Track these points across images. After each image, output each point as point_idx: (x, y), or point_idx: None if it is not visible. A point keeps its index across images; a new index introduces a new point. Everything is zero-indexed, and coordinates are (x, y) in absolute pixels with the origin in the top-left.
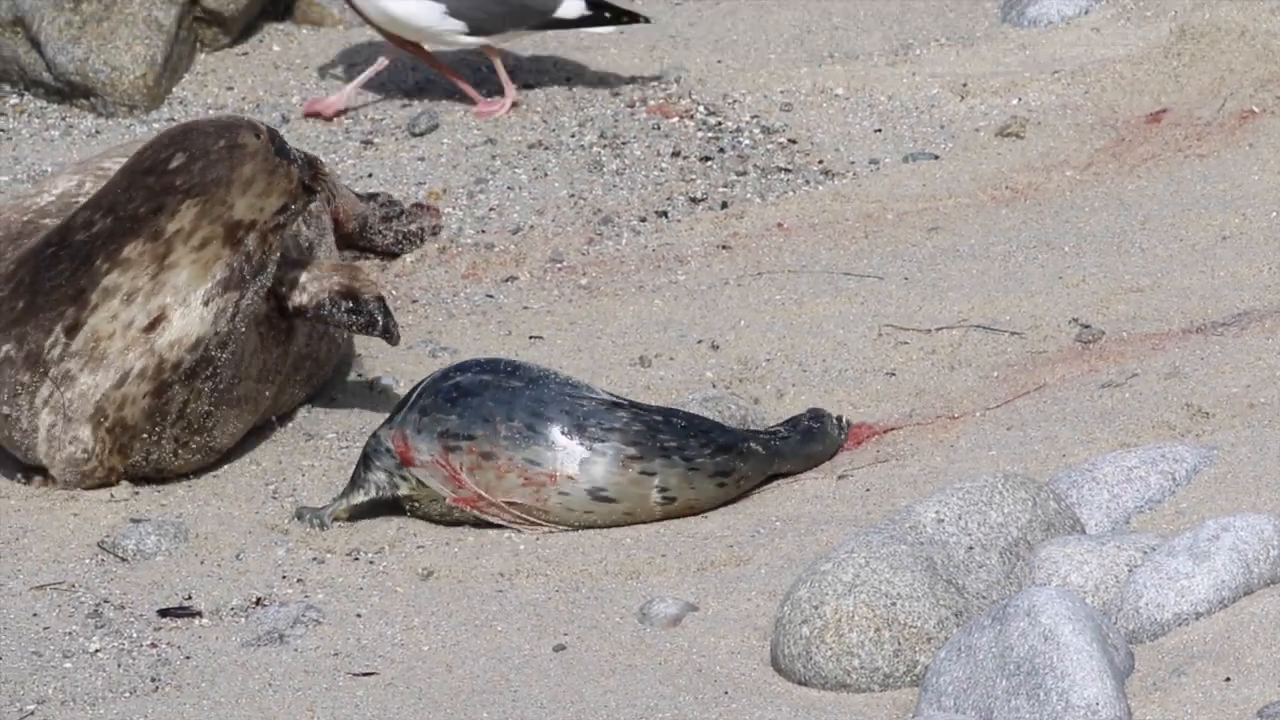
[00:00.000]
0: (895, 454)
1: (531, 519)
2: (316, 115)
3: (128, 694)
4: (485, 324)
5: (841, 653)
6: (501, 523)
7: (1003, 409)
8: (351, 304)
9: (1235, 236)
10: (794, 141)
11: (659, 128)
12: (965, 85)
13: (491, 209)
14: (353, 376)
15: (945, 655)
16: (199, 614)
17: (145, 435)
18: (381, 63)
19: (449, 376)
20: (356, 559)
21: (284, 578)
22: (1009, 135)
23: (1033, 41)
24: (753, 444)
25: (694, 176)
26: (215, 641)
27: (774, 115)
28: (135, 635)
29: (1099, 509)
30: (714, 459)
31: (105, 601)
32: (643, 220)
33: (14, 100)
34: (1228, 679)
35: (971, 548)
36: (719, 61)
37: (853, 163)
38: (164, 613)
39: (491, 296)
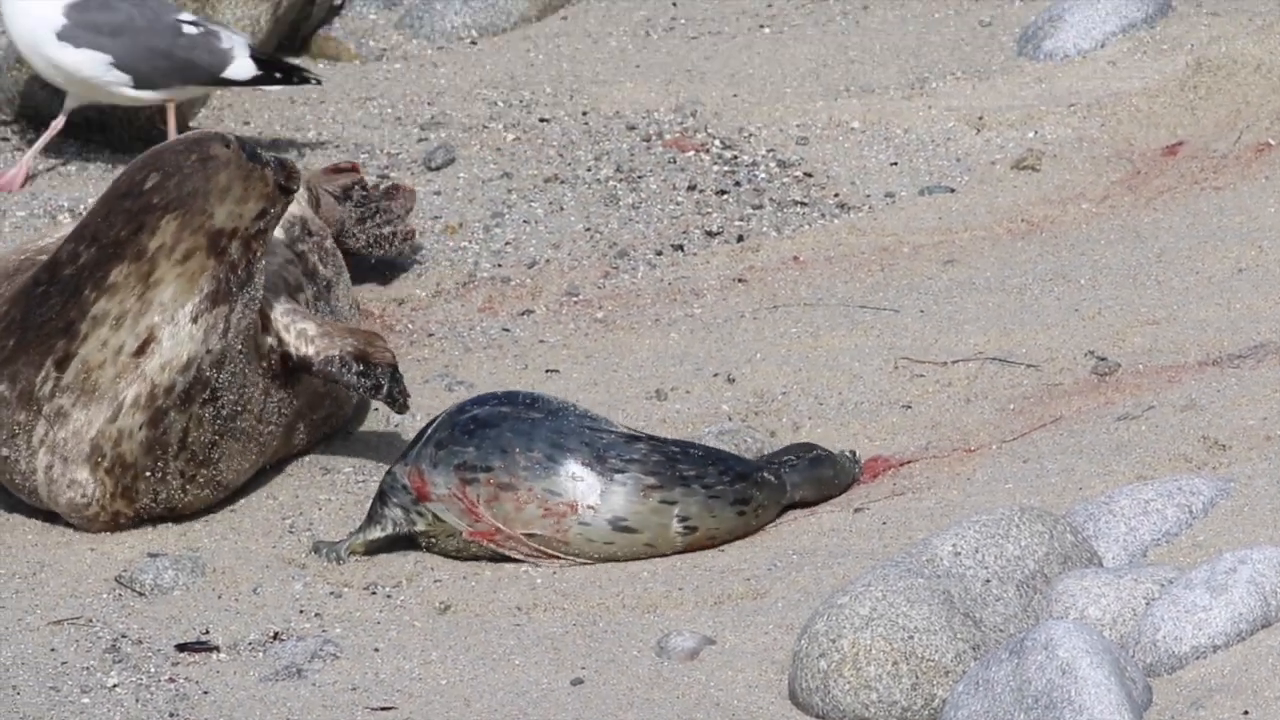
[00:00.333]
0: (911, 487)
1: (550, 551)
2: (7, 190)
3: None
4: (501, 357)
5: (859, 686)
6: (519, 556)
7: (1019, 442)
8: (362, 368)
9: (1251, 269)
10: (810, 175)
11: (675, 161)
12: (981, 118)
13: (508, 243)
14: (369, 410)
15: (963, 689)
16: (217, 648)
17: (148, 474)
18: (58, 124)
19: (465, 410)
20: (374, 593)
21: (301, 612)
22: (1025, 168)
23: (1049, 75)
24: (766, 473)
25: (710, 210)
26: (233, 676)
27: (790, 149)
28: (153, 670)
29: (1116, 542)
30: (733, 487)
31: (123, 636)
32: (659, 254)
33: (30, 135)
34: (1245, 712)
35: (989, 581)
36: (735, 95)
37: (868, 196)
38: (182, 647)
39: (508, 330)
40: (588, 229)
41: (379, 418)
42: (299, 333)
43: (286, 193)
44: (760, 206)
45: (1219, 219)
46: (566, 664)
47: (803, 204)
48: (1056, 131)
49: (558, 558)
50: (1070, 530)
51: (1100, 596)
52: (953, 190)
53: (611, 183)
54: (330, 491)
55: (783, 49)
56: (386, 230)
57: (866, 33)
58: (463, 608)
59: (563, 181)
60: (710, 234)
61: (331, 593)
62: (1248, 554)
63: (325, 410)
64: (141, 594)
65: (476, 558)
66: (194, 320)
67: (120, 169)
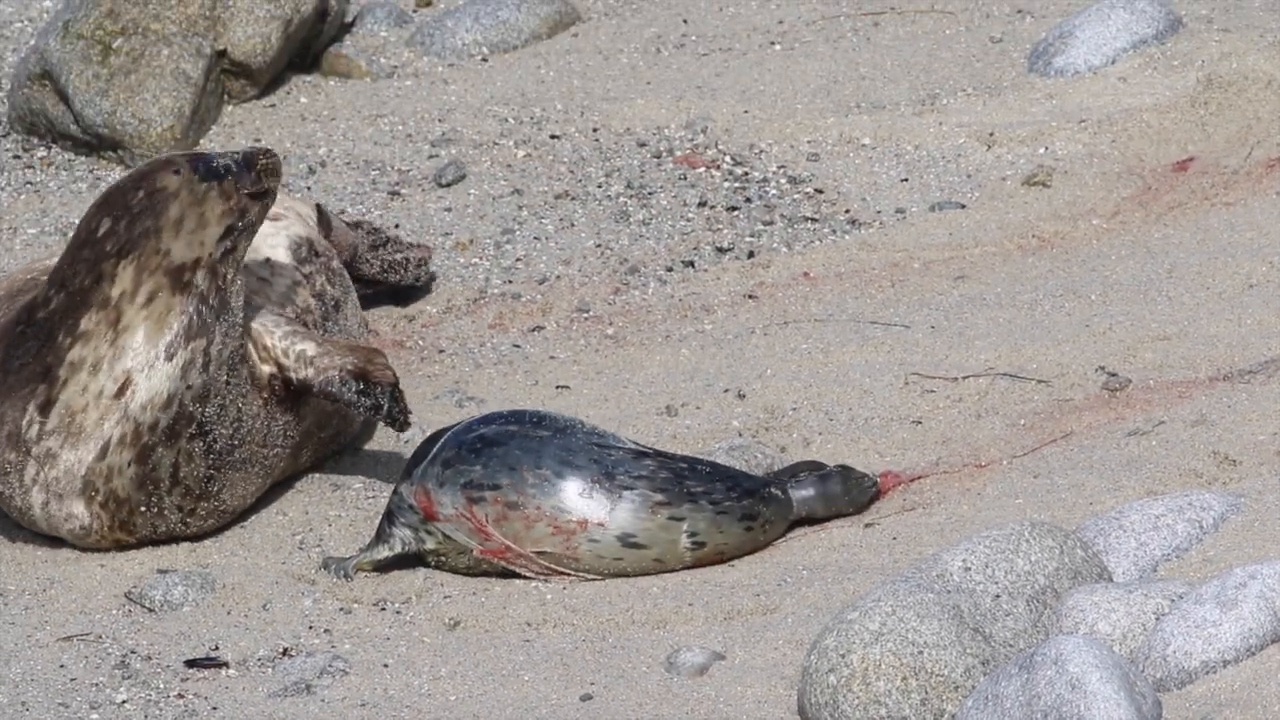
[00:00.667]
0: (922, 502)
1: (560, 569)
2: None
3: None
4: (512, 374)
5: (869, 702)
6: (530, 574)
7: (1029, 457)
8: (361, 386)
9: (1262, 284)
10: (820, 191)
11: (685, 178)
12: (992, 135)
13: (518, 259)
14: (378, 425)
15: (972, 704)
16: (226, 664)
17: (143, 508)
18: None
19: (472, 429)
20: (383, 609)
21: (311, 628)
22: (1036, 184)
23: (1059, 91)
24: (773, 488)
25: (720, 226)
26: (242, 692)
27: (801, 165)
28: (162, 686)
29: (1126, 557)
30: (740, 503)
31: (132, 652)
32: (669, 270)
33: (42, 153)
34: None
35: (998, 596)
36: (746, 112)
37: (879, 212)
38: (191, 663)
39: (518, 346)
40: (598, 245)
41: (389, 433)
42: (298, 355)
43: (259, 197)
44: (771, 223)
45: (1230, 235)
46: (576, 680)
47: (813, 220)
48: (1067, 147)
49: (568, 574)
50: (1080, 545)
51: (1110, 611)
52: (963, 206)
53: (622, 199)
54: (340, 507)
55: (793, 65)
56: (399, 256)
57: (877, 49)
58: (472, 624)
59: (573, 198)
60: (721, 250)
61: (341, 609)
62: (1258, 569)
63: (333, 429)
64: (151, 610)
65: (486, 574)
66: (170, 358)
67: None
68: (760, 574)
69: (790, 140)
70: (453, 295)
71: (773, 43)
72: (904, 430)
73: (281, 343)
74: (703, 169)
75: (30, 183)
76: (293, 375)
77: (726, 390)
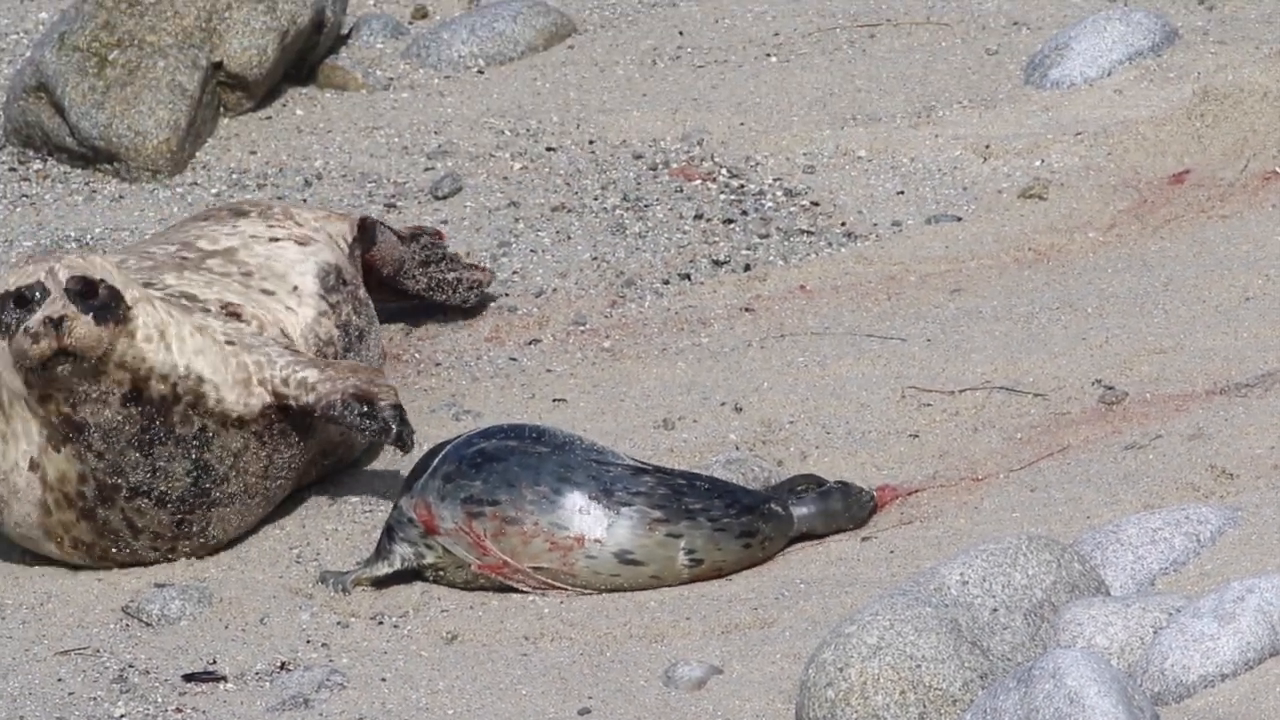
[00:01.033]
0: (919, 516)
1: (557, 584)
2: None
3: None
4: (508, 387)
5: (867, 716)
6: (527, 589)
7: (1026, 470)
8: (366, 409)
9: (1259, 297)
10: (816, 204)
11: (681, 190)
12: (988, 147)
13: (515, 272)
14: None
15: (971, 718)
16: (224, 679)
17: (113, 550)
18: None
19: (472, 443)
20: (381, 623)
21: (308, 642)
22: (1032, 197)
23: (1055, 103)
24: (773, 505)
25: (717, 239)
26: (240, 706)
27: (797, 178)
28: (160, 700)
29: (1123, 570)
30: (739, 519)
31: (130, 666)
32: (665, 283)
33: (37, 165)
34: None
35: (996, 610)
36: (741, 124)
37: (875, 225)
38: (189, 678)
39: (515, 359)
40: (594, 258)
41: (387, 449)
42: (299, 383)
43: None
44: (767, 235)
45: (1226, 247)
46: (574, 694)
47: (809, 233)
48: (1063, 160)
49: (565, 589)
50: (1078, 559)
51: (1108, 625)
52: (959, 219)
53: (618, 212)
54: (337, 521)
55: (789, 78)
56: (450, 276)
57: (873, 61)
58: (470, 637)
59: (569, 210)
60: (717, 263)
61: (338, 623)
62: (1256, 583)
63: (338, 455)
64: (148, 624)
65: (484, 588)
66: (57, 450)
67: (129, 198)
68: (758, 588)
69: (786, 153)
70: (449, 308)
71: (768, 55)
72: (901, 444)
73: (282, 373)
74: (699, 181)
75: (26, 195)
76: (293, 403)
77: (723, 403)
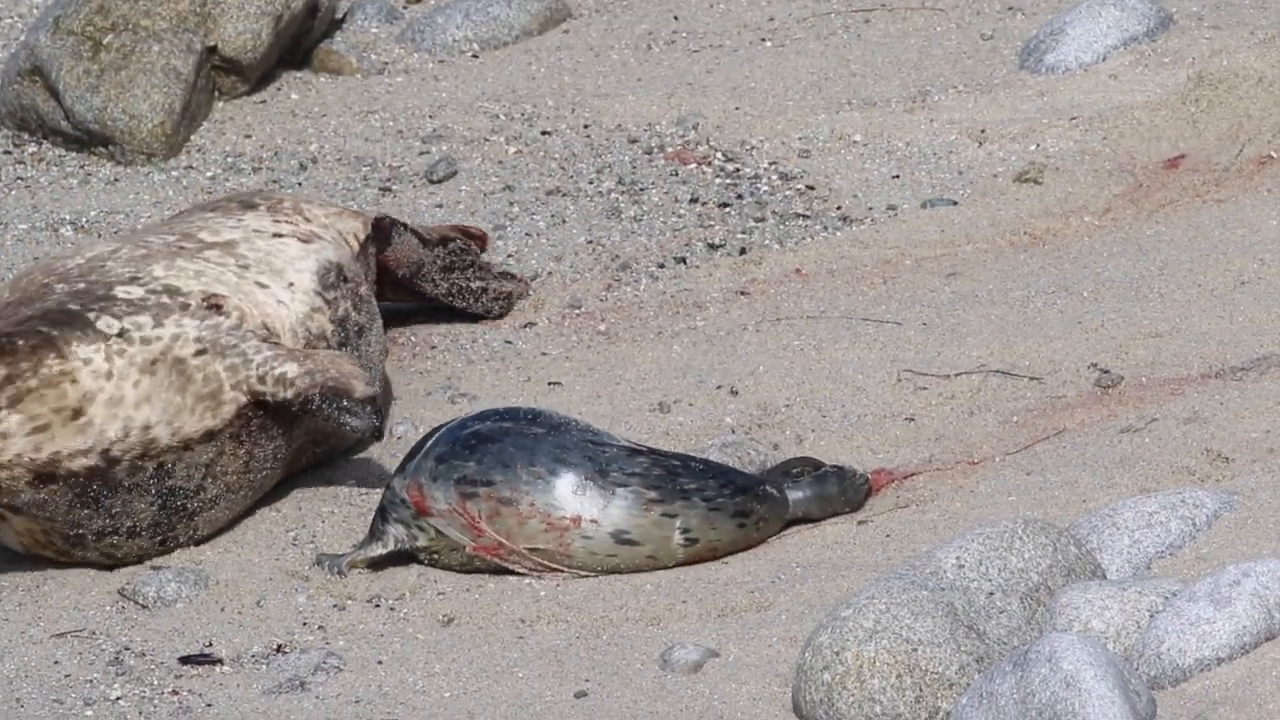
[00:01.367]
0: (915, 499)
1: (553, 565)
2: None
3: None
4: (504, 370)
5: (863, 699)
6: (523, 570)
7: (1022, 454)
8: (343, 402)
9: (1253, 282)
10: (812, 188)
11: (677, 174)
12: (983, 131)
13: (510, 255)
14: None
15: (967, 701)
16: (220, 661)
17: (96, 553)
18: None
19: (467, 425)
20: (377, 606)
21: (305, 625)
22: (1027, 181)
23: (1051, 88)
24: (768, 486)
25: (712, 223)
26: (236, 689)
27: (792, 162)
28: (156, 683)
29: (1119, 554)
30: (733, 499)
31: (126, 649)
32: (661, 266)
33: (32, 149)
34: None
35: (992, 593)
36: (737, 108)
37: (871, 209)
38: (185, 660)
39: (510, 342)
40: (590, 242)
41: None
42: (276, 379)
43: None
44: (762, 219)
45: (1221, 232)
46: (570, 676)
47: (805, 217)
48: (1058, 144)
49: (561, 571)
50: (1074, 543)
51: (1104, 609)
52: (955, 203)
53: (613, 195)
54: (333, 504)
55: (784, 62)
56: (475, 285)
57: (868, 45)
58: (466, 620)
59: (564, 194)
60: (712, 247)
61: (335, 605)
62: (1251, 566)
63: (331, 444)
64: (145, 606)
65: (479, 571)
66: (12, 516)
67: (123, 182)
68: (754, 571)
69: (781, 137)
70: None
71: (764, 39)
72: (897, 427)
73: (259, 370)
74: (694, 165)
75: (21, 178)
76: (271, 399)
77: (719, 387)
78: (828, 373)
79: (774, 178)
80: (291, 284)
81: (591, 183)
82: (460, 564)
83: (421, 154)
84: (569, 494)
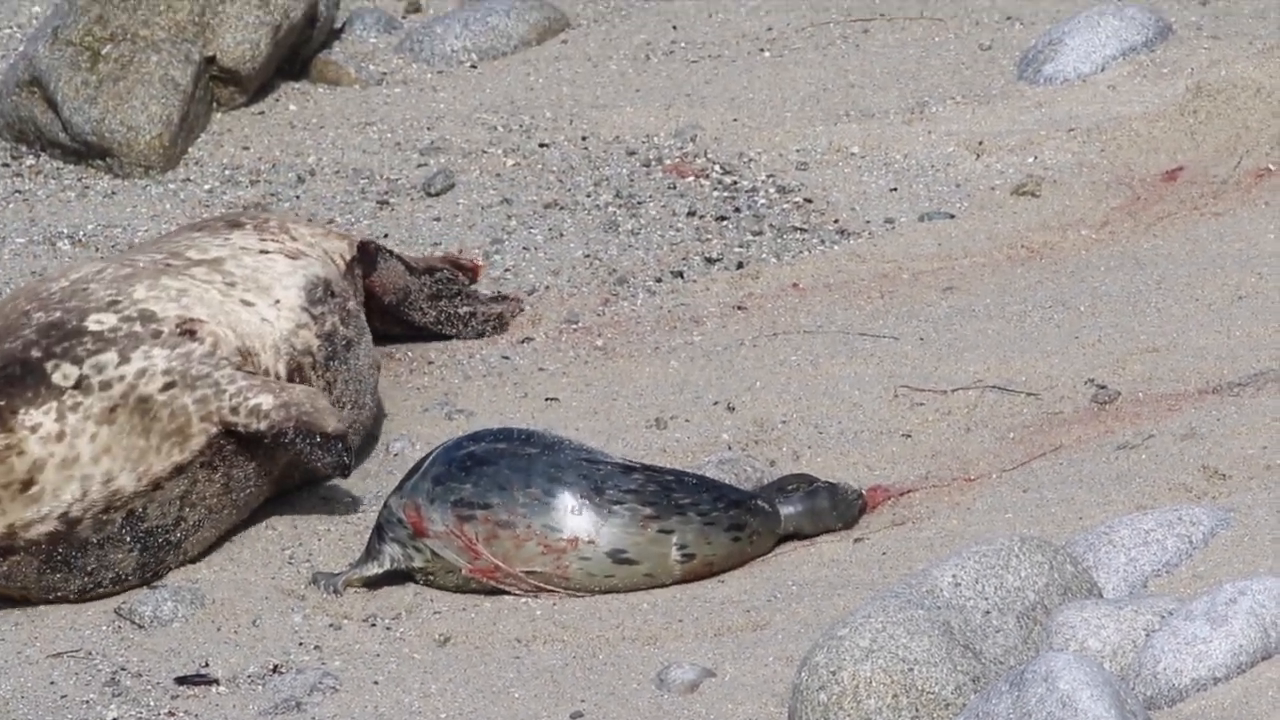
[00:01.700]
0: (911, 517)
1: (550, 587)
2: None
3: None
4: (501, 385)
5: (859, 719)
6: (519, 593)
7: (1019, 471)
8: (317, 439)
9: (1251, 296)
10: (809, 201)
11: (674, 187)
12: (981, 144)
13: (507, 269)
14: (367, 440)
15: None
16: (216, 681)
17: (75, 589)
18: None
19: (462, 446)
20: (373, 625)
21: (301, 644)
22: (1025, 194)
23: (1048, 99)
24: (760, 501)
25: (710, 236)
26: (232, 710)
27: (790, 174)
28: (152, 703)
29: (1116, 572)
30: (727, 513)
31: (122, 669)
32: (658, 281)
33: (30, 161)
34: None
35: (988, 612)
36: (735, 119)
37: (868, 222)
38: (181, 680)
39: (507, 358)
40: (587, 255)
41: (377, 447)
42: (250, 410)
43: None
44: (760, 233)
45: (1219, 245)
46: (566, 696)
47: (802, 230)
48: (1056, 157)
49: (558, 592)
50: (1070, 561)
51: (1100, 628)
52: (952, 216)
53: (611, 209)
54: (329, 522)
55: (783, 73)
56: (464, 310)
57: (866, 57)
58: (462, 640)
59: (562, 207)
60: (710, 260)
61: (331, 625)
62: (1248, 585)
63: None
64: (141, 626)
65: (475, 591)
66: None
67: (121, 195)
68: (750, 590)
69: (779, 149)
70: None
71: (762, 50)
72: (893, 443)
73: (231, 401)
74: (692, 178)
75: (19, 191)
76: (243, 430)
77: (716, 403)
78: (824, 388)
79: (771, 190)
80: (278, 300)
81: (589, 196)
82: (456, 585)
83: (419, 166)
84: (566, 514)
